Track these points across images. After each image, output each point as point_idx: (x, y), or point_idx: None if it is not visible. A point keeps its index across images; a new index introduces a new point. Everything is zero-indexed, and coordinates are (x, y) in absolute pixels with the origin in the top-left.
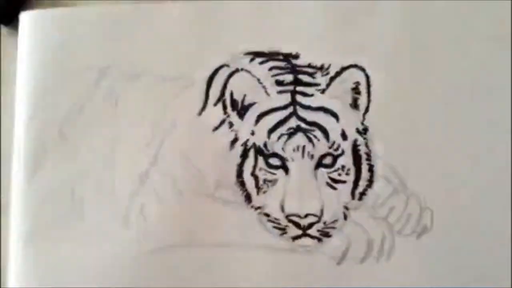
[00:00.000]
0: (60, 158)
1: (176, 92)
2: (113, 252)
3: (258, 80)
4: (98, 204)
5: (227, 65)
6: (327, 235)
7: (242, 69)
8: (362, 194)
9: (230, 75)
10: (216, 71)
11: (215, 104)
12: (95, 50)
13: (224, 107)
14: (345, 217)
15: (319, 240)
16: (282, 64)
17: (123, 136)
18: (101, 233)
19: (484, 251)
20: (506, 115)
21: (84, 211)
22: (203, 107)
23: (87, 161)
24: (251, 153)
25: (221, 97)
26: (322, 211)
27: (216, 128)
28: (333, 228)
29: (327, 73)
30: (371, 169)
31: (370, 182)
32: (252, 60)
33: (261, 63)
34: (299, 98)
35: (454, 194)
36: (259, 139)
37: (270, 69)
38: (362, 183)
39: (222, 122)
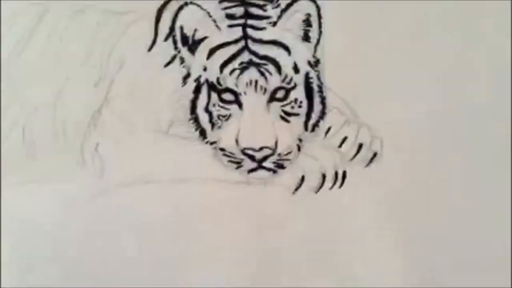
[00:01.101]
0: (6, 97)
1: (124, 28)
2: (69, 191)
3: (208, 13)
4: (51, 144)
5: None
6: (281, 167)
7: (191, 3)
8: (315, 125)
9: (179, 8)
10: (164, 5)
11: (165, 39)
12: None
13: (175, 42)
14: (299, 149)
15: (274, 172)
16: None
17: (72, 75)
18: (56, 173)
19: (434, 175)
20: (456, 44)
21: (36, 152)
22: (153, 43)
23: (35, 101)
24: (204, 89)
25: (171, 32)
26: (276, 144)
27: (167, 64)
28: (288, 160)
29: (278, 6)
30: (323, 101)
31: (323, 114)
32: None
33: None
34: (250, 31)
35: (404, 123)
36: (212, 75)
37: (220, 1)
38: (315, 115)
39: (173, 57)
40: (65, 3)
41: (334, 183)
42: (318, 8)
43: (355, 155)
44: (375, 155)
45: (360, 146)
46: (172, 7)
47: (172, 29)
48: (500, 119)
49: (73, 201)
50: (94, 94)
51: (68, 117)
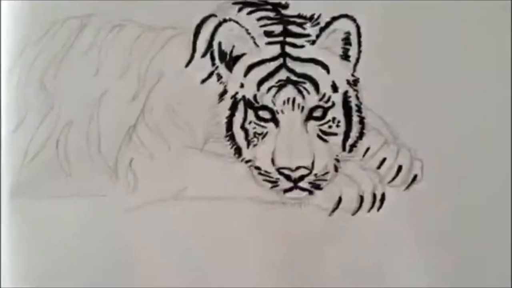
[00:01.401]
0: (42, 111)
1: (162, 43)
2: (102, 206)
3: (247, 30)
4: (85, 157)
5: (215, 15)
6: (318, 187)
7: (230, 19)
8: (353, 146)
9: (218, 25)
10: (203, 21)
11: (203, 56)
12: None
13: (212, 59)
14: (336, 169)
15: (310, 192)
16: (271, 14)
17: (108, 88)
18: (90, 188)
19: (475, 201)
20: (498, 69)
21: (70, 165)
22: (191, 59)
23: (70, 113)
24: (241, 106)
25: (208, 48)
26: (313, 164)
27: (204, 80)
28: (324, 180)
29: (317, 24)
30: (361, 121)
31: (361, 134)
32: (240, 10)
33: (250, 13)
34: (288, 49)
35: (445, 145)
36: (249, 92)
37: (259, 19)
38: (353, 135)
39: (210, 74)
40: (104, 17)
41: (372, 205)
42: (358, 27)
43: (394, 177)
44: (415, 178)
45: (400, 168)
46: (211, 24)
47: (210, 45)
48: None
49: (105, 216)
50: (130, 109)
51: (103, 132)
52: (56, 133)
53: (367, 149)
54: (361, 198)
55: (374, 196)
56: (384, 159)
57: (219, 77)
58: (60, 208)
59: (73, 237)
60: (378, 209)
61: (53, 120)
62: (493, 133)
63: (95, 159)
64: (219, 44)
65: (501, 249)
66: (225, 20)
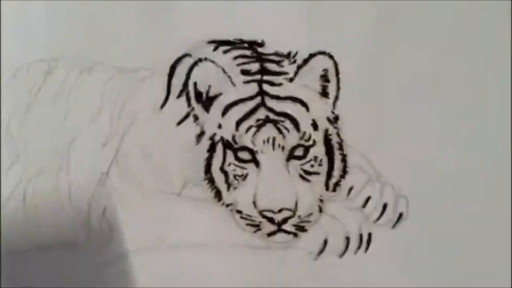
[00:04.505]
0: (8, 162)
1: (135, 85)
2: (75, 259)
3: (223, 69)
4: (54, 210)
5: (189, 55)
6: (302, 229)
7: (205, 59)
8: (336, 185)
9: (193, 65)
10: (178, 61)
11: (178, 97)
12: (44, 41)
13: (188, 99)
14: (321, 210)
15: (295, 235)
16: (247, 52)
17: (79, 134)
18: (61, 239)
19: (462, 237)
20: (478, 102)
21: (39, 218)
22: (165, 100)
23: (38, 162)
24: (219, 147)
25: (184, 89)
26: (296, 205)
27: (180, 122)
28: (309, 222)
29: (295, 61)
30: (344, 159)
31: (344, 172)
32: (215, 49)
33: (225, 52)
34: (266, 87)
35: (428, 181)
36: (227, 132)
37: (235, 58)
38: (336, 174)
39: (187, 115)
40: (73, 60)
41: (359, 246)
42: (335, 64)
43: (380, 216)
44: (400, 215)
45: (385, 206)
46: (185, 64)
47: (185, 85)
48: None
49: (79, 270)
50: (102, 155)
51: (74, 180)
52: (23, 184)
53: (351, 188)
54: (347, 240)
55: (361, 237)
56: (368, 198)
57: (196, 118)
58: (29, 262)
59: None
60: (366, 250)
61: (20, 171)
62: (477, 166)
63: (66, 209)
64: (195, 84)
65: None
66: (200, 60)
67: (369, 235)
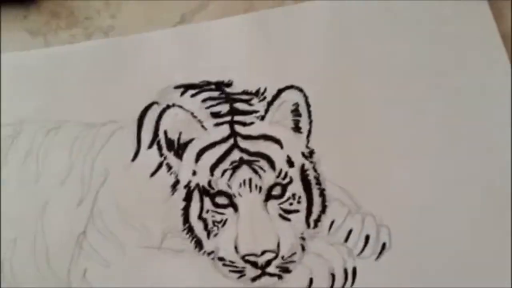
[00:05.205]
0: None
1: (104, 139)
2: None
3: (192, 114)
4: (34, 274)
5: (157, 103)
6: (287, 270)
7: (173, 105)
8: (317, 221)
9: (162, 112)
10: (145, 111)
11: (149, 147)
12: (7, 105)
13: (160, 149)
14: (303, 248)
15: (280, 277)
16: (215, 94)
17: (51, 196)
18: None
19: (447, 264)
20: (456, 128)
21: (18, 284)
22: (137, 152)
23: (12, 230)
24: (196, 195)
25: (154, 138)
26: (278, 246)
27: (153, 173)
28: (292, 261)
29: (264, 98)
30: (322, 193)
31: (324, 207)
32: (183, 93)
33: (193, 95)
34: (238, 128)
35: (409, 208)
36: (202, 178)
37: (204, 100)
38: (315, 210)
39: (160, 165)
40: (38, 122)
41: (345, 282)
42: (305, 97)
43: (363, 248)
44: (384, 246)
45: (367, 238)
46: (153, 112)
47: (156, 134)
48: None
49: None
50: (77, 215)
51: (51, 244)
52: None
53: (332, 222)
54: (333, 276)
55: (346, 271)
56: (350, 231)
57: (169, 167)
58: None
59: None
60: (351, 285)
61: None
62: (458, 191)
63: (45, 274)
64: (165, 132)
65: None
66: (168, 106)
67: (354, 269)
